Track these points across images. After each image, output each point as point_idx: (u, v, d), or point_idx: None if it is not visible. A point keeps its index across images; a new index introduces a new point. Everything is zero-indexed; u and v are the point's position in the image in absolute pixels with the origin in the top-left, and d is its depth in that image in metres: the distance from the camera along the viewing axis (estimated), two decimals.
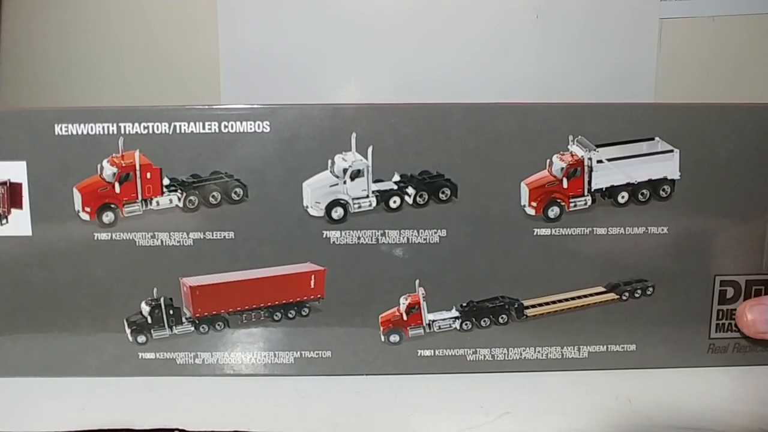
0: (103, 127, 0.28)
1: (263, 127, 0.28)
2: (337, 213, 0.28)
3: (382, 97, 0.53)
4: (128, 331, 0.29)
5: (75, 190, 0.28)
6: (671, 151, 0.28)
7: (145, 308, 0.29)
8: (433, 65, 0.50)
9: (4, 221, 0.29)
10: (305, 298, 0.29)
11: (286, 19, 0.52)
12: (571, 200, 0.29)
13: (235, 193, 0.28)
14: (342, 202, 0.28)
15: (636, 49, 0.50)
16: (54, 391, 0.29)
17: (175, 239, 0.29)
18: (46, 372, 0.30)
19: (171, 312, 0.29)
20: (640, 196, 0.29)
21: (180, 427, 0.25)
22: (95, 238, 0.29)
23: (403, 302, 0.29)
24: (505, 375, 0.29)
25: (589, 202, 0.29)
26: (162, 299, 0.29)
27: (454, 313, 0.29)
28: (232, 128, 0.28)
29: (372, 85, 0.52)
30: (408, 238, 0.28)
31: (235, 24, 0.52)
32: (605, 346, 0.30)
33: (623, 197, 0.29)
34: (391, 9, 0.51)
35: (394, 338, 0.29)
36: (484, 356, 0.29)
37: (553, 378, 0.29)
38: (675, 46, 0.50)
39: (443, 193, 0.28)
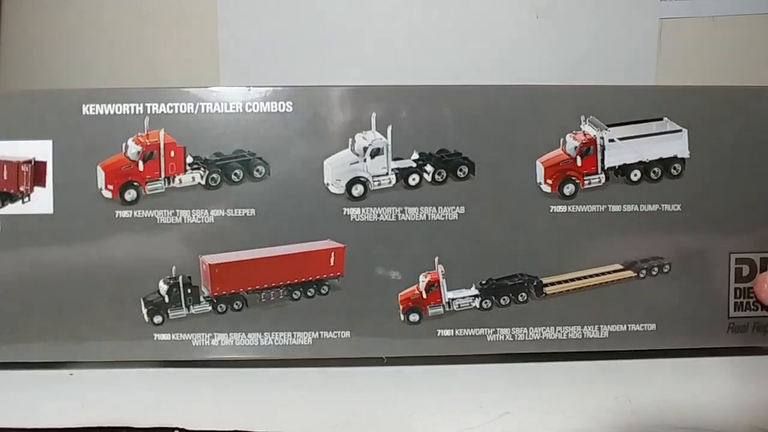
0: (130, 107, 0.29)
1: (286, 107, 0.29)
2: (358, 190, 0.29)
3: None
4: (145, 311, 0.29)
5: (99, 168, 0.29)
6: (680, 130, 0.29)
7: (163, 287, 0.29)
8: (432, 62, 0.50)
9: (26, 199, 0.29)
10: (325, 276, 0.29)
11: (285, 13, 0.52)
12: (586, 178, 0.29)
13: (257, 170, 0.29)
14: (362, 179, 0.29)
15: (636, 49, 0.49)
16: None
17: (196, 217, 0.29)
18: (59, 355, 0.29)
19: (189, 291, 0.29)
20: (652, 174, 0.29)
21: (180, 426, 0.24)
22: (116, 215, 0.29)
23: (423, 280, 0.29)
24: (505, 375, 0.29)
25: (603, 180, 0.29)
26: (180, 278, 0.29)
27: (474, 291, 0.29)
28: (255, 108, 0.29)
29: (370, 82, 0.52)
30: (427, 215, 0.29)
31: (235, 18, 0.53)
32: (625, 326, 0.29)
33: (636, 175, 0.29)
34: (390, 7, 0.51)
35: (414, 317, 0.29)
36: (504, 336, 0.29)
37: (553, 378, 0.29)
38: (675, 46, 0.49)
39: (461, 170, 0.29)
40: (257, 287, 0.29)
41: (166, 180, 0.29)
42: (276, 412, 0.26)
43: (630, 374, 0.29)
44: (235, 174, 0.29)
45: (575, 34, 0.49)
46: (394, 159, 0.29)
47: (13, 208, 0.29)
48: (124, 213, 0.29)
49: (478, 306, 0.29)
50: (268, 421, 0.25)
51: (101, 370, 0.30)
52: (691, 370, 0.29)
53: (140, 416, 0.25)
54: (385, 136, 0.29)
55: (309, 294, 0.29)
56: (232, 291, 0.29)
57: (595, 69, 0.50)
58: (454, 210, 0.29)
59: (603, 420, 0.25)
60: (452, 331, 0.29)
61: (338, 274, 0.29)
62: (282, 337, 0.29)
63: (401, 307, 0.29)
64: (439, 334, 0.29)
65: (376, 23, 0.52)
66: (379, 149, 0.29)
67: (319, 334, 0.29)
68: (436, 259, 0.29)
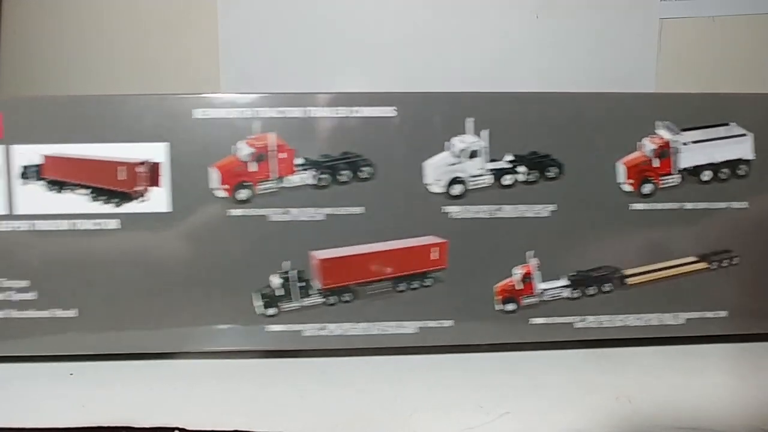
0: (241, 112, 0.30)
1: (389, 111, 0.31)
2: (456, 190, 0.31)
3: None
4: (259, 303, 0.31)
5: (213, 169, 0.30)
6: (745, 134, 0.32)
7: (276, 281, 0.31)
8: (432, 62, 0.50)
9: (143, 199, 0.30)
10: (428, 269, 0.31)
11: (285, 15, 0.52)
12: (662, 178, 0.32)
13: (364, 171, 0.31)
14: (460, 179, 0.31)
15: (636, 49, 0.49)
16: None
17: (307, 214, 0.31)
18: (177, 346, 0.31)
19: (301, 284, 0.31)
20: (720, 174, 0.32)
21: (180, 426, 0.25)
22: (229, 214, 0.30)
23: (518, 272, 0.31)
24: (505, 375, 0.30)
25: (678, 180, 0.32)
26: (293, 272, 0.31)
27: (564, 281, 0.31)
28: (360, 113, 0.31)
29: (371, 83, 0.52)
30: (521, 213, 0.31)
31: (235, 20, 0.53)
32: (700, 313, 0.32)
33: (706, 175, 0.32)
34: (391, 8, 0.51)
35: (510, 307, 0.31)
36: (591, 323, 0.32)
37: (553, 378, 0.30)
38: (675, 46, 0.49)
39: (550, 171, 0.31)
40: (365, 280, 0.31)
41: (277, 180, 0.31)
42: (276, 412, 0.27)
43: (630, 373, 0.30)
44: (342, 175, 0.31)
45: (575, 34, 0.50)
46: (490, 160, 0.31)
47: (130, 207, 0.30)
48: (237, 211, 0.30)
49: (567, 296, 0.31)
50: (267, 420, 0.25)
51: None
52: (691, 370, 0.30)
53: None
54: (482, 139, 0.31)
55: (414, 286, 0.31)
56: (342, 284, 0.31)
57: (595, 69, 0.50)
58: (545, 208, 0.31)
59: (603, 420, 0.25)
60: (543, 319, 0.32)
61: (441, 267, 0.31)
62: (389, 327, 0.31)
63: (498, 297, 0.31)
64: (531, 322, 0.32)
65: (375, 25, 0.52)
66: (476, 151, 0.31)
67: (424, 323, 0.31)
68: (530, 253, 0.31)
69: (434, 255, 0.31)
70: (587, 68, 0.50)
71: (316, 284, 0.31)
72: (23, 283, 0.30)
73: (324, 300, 0.31)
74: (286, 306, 0.31)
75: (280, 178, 0.31)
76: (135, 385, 0.29)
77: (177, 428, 0.24)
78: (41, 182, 0.30)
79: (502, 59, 0.50)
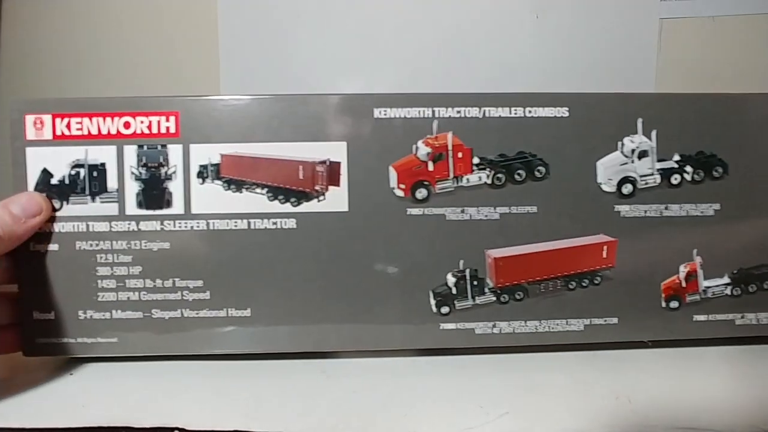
0: (420, 111, 0.30)
1: (563, 112, 0.31)
2: (627, 189, 0.31)
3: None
4: (433, 302, 0.31)
5: (391, 169, 0.30)
6: None
7: (451, 279, 0.31)
8: (432, 63, 0.51)
9: (322, 198, 0.30)
10: (598, 267, 0.31)
11: (286, 15, 0.52)
12: None
13: (538, 171, 0.31)
14: (631, 178, 0.31)
15: (636, 49, 0.50)
16: None
17: (482, 214, 0.31)
18: (352, 344, 0.31)
19: (475, 283, 0.31)
20: None
21: (180, 426, 0.25)
22: (408, 213, 0.30)
23: (683, 270, 0.32)
24: (505, 375, 0.30)
25: None
26: (467, 271, 0.31)
27: (726, 279, 0.32)
28: (535, 113, 0.31)
29: (372, 82, 0.52)
30: (687, 211, 0.32)
31: (235, 21, 0.53)
32: None
33: None
34: (391, 8, 0.51)
35: (674, 304, 0.32)
36: (750, 320, 0.32)
37: (553, 378, 0.30)
38: (675, 46, 0.50)
39: (717, 171, 0.32)
40: (537, 279, 0.31)
41: (455, 179, 0.31)
42: (276, 412, 0.26)
43: (630, 374, 0.30)
44: (518, 174, 0.31)
45: (575, 34, 0.50)
46: (659, 160, 0.32)
47: (308, 206, 0.30)
48: (415, 210, 0.31)
49: (729, 293, 0.32)
50: (269, 421, 0.25)
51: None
52: (691, 370, 0.30)
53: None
54: (651, 140, 0.31)
55: (584, 284, 0.32)
56: (514, 282, 0.31)
57: (595, 69, 0.51)
58: (710, 207, 0.32)
59: (603, 420, 0.25)
60: (706, 316, 0.32)
61: (610, 265, 0.31)
62: (557, 324, 0.32)
63: (663, 294, 0.32)
64: (694, 319, 0.32)
65: (375, 26, 0.52)
66: (645, 151, 0.31)
67: (590, 321, 0.32)
68: (695, 251, 0.32)
69: (604, 253, 0.31)
70: (587, 68, 0.51)
71: (490, 282, 0.31)
72: (197, 283, 0.30)
73: (497, 298, 0.31)
74: (460, 304, 0.31)
75: (458, 178, 0.31)
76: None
77: (177, 428, 0.24)
78: (219, 181, 0.30)
79: (502, 59, 0.51)
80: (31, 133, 0.29)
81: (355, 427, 0.25)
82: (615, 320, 0.32)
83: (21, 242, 0.28)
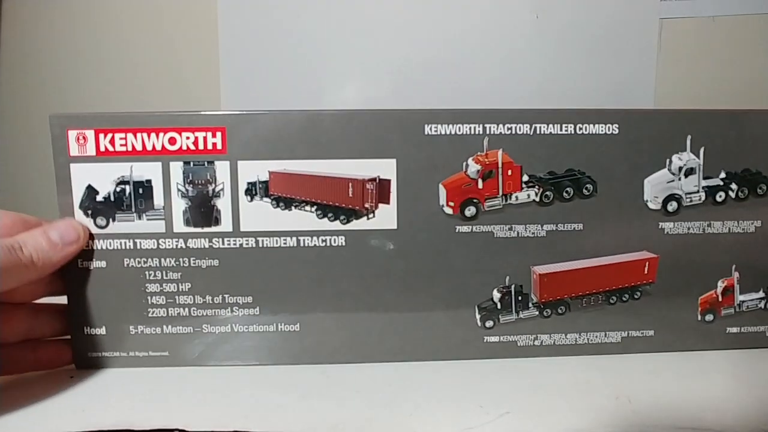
0: (470, 128, 0.30)
1: (612, 129, 0.31)
2: (672, 206, 0.32)
3: (381, 97, 0.54)
4: (478, 316, 0.31)
5: (441, 186, 0.30)
6: None
7: (497, 295, 0.31)
8: (432, 66, 0.51)
9: (371, 215, 0.30)
10: (639, 282, 0.32)
11: (285, 20, 0.52)
12: None
13: (586, 188, 0.31)
14: (677, 196, 0.31)
15: (636, 49, 0.50)
16: None
17: (530, 231, 0.31)
18: (397, 356, 0.31)
19: (520, 298, 0.31)
20: None
21: (180, 427, 0.25)
22: (456, 230, 0.31)
23: (720, 285, 0.33)
24: (505, 375, 0.30)
25: None
26: (513, 286, 0.31)
27: (761, 293, 0.33)
28: (585, 130, 0.31)
29: (371, 87, 0.52)
30: (729, 228, 0.32)
31: (235, 25, 0.53)
32: None
33: None
34: (390, 11, 0.51)
35: (709, 317, 0.33)
36: None
37: (553, 378, 0.30)
38: (675, 46, 0.50)
39: (761, 188, 0.32)
40: (580, 294, 0.32)
41: (504, 197, 0.31)
42: (275, 412, 0.26)
43: (630, 374, 0.30)
44: (567, 192, 0.31)
45: (575, 34, 0.50)
46: (705, 177, 0.32)
47: (358, 224, 0.30)
48: (464, 228, 0.31)
49: (763, 307, 0.33)
50: (268, 421, 0.25)
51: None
52: (691, 370, 0.31)
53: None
54: (698, 157, 0.31)
55: (624, 299, 0.32)
56: (558, 297, 0.32)
57: (595, 69, 0.51)
58: (752, 224, 0.32)
59: (603, 420, 0.25)
60: (738, 328, 0.33)
61: (650, 281, 0.32)
62: (596, 337, 0.32)
63: (699, 308, 0.33)
64: (727, 331, 0.33)
65: (375, 31, 0.52)
66: (692, 169, 0.31)
67: (628, 333, 0.33)
68: (733, 267, 0.33)
69: (646, 270, 0.32)
70: (587, 68, 0.51)
71: (534, 298, 0.32)
72: (247, 299, 0.30)
73: (540, 312, 0.32)
74: (504, 318, 0.32)
75: (507, 195, 0.31)
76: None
77: (177, 429, 0.25)
78: (267, 199, 0.30)
79: (502, 59, 0.50)
80: (74, 149, 0.29)
81: (357, 426, 0.25)
82: (651, 332, 0.33)
83: (56, 268, 0.28)
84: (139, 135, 0.29)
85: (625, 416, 0.26)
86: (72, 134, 0.29)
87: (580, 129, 0.30)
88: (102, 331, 0.30)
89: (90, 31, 0.57)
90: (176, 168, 0.29)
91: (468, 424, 0.25)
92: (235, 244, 0.30)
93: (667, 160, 0.31)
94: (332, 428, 0.25)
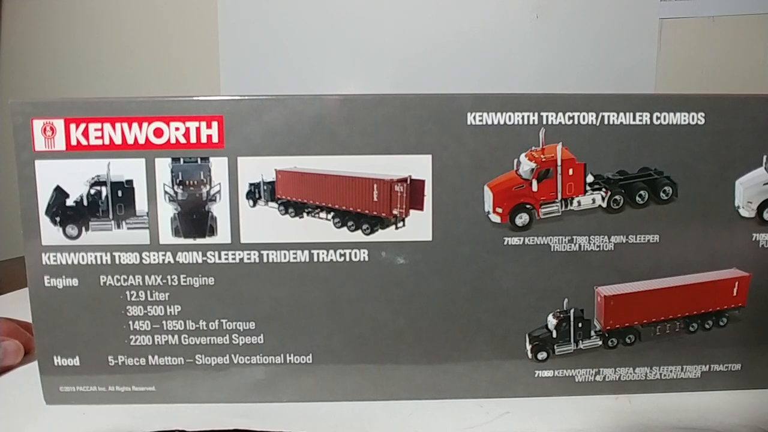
0: (523, 117, 0.24)
1: (698, 118, 0.25)
2: None
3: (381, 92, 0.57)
4: (529, 347, 0.26)
5: (486, 189, 0.25)
6: None
7: (552, 321, 0.26)
8: (431, 61, 0.51)
9: (400, 224, 0.25)
10: (725, 306, 0.26)
11: (285, 15, 0.53)
12: None
13: (664, 191, 0.25)
14: None
15: (636, 49, 0.50)
16: None
17: (594, 244, 0.25)
18: (429, 393, 0.26)
19: (580, 325, 0.26)
20: None
21: (180, 428, 0.23)
22: (505, 242, 0.25)
23: None
24: None
25: None
26: (572, 311, 0.26)
27: None
28: (664, 120, 0.25)
29: (371, 81, 0.53)
30: None
31: (235, 20, 0.53)
32: None
33: None
34: (390, 8, 0.52)
35: None
36: None
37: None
38: (675, 46, 0.51)
39: None
40: (653, 320, 0.26)
41: (563, 202, 0.25)
42: (276, 412, 0.25)
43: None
44: (640, 195, 0.25)
45: (575, 34, 0.50)
46: None
47: (383, 235, 0.25)
48: (514, 240, 0.25)
49: None
50: (269, 421, 0.24)
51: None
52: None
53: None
54: None
55: (707, 326, 0.27)
56: (626, 324, 0.26)
57: (595, 69, 0.51)
58: None
59: (603, 420, 0.25)
60: None
61: (740, 305, 0.26)
62: (670, 371, 0.27)
63: None
64: None
65: (375, 26, 0.52)
66: None
67: (709, 367, 0.27)
68: None
69: (735, 291, 0.26)
70: (587, 68, 0.51)
71: (597, 325, 0.26)
72: (249, 325, 0.25)
73: (603, 342, 0.26)
74: (560, 350, 0.26)
75: (567, 200, 0.25)
76: None
77: (177, 429, 0.23)
78: (274, 204, 0.24)
79: (502, 59, 0.51)
80: (40, 143, 0.23)
81: (357, 426, 0.24)
82: (738, 366, 0.27)
83: None
84: (118, 125, 0.24)
85: (625, 416, 0.25)
86: (37, 124, 0.23)
87: (658, 119, 0.25)
88: (75, 361, 0.25)
89: (86, 21, 0.57)
90: (163, 166, 0.24)
91: (468, 424, 0.24)
92: (234, 259, 0.24)
93: (765, 157, 0.25)
94: (333, 428, 0.24)
